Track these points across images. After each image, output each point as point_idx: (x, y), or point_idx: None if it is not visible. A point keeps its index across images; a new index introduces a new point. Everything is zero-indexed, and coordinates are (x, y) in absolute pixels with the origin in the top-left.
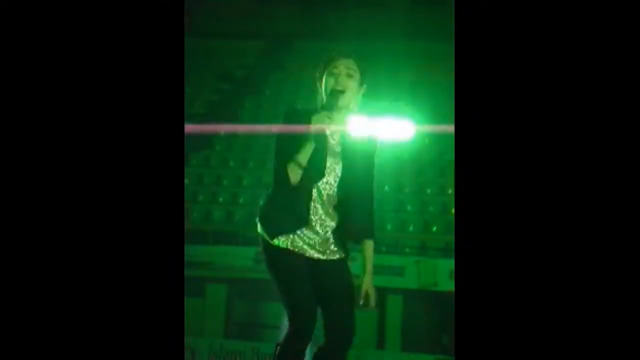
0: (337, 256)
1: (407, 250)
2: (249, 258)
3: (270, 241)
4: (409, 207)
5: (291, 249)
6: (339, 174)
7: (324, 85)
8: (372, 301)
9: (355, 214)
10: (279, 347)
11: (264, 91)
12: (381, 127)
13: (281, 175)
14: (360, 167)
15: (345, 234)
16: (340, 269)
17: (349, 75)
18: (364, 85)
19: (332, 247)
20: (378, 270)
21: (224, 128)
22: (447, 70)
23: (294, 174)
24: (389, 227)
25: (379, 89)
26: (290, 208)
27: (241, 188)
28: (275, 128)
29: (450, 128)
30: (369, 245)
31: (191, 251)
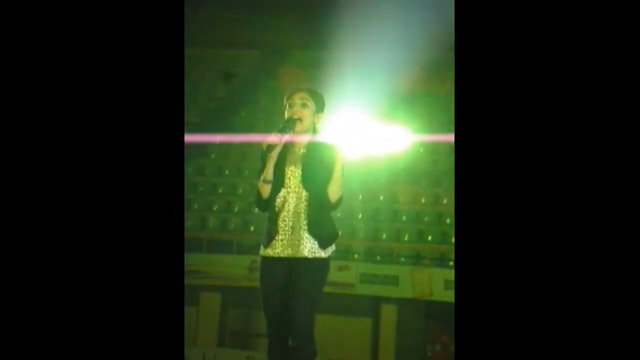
0: (310, 255)
1: (402, 259)
2: (244, 266)
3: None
4: (404, 217)
5: (268, 255)
6: (300, 178)
7: (286, 114)
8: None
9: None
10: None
11: (259, 100)
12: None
13: (257, 193)
14: (321, 170)
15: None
16: (308, 269)
17: (304, 105)
18: (321, 114)
19: (304, 246)
20: (373, 279)
21: (219, 138)
22: (443, 79)
23: (262, 189)
24: (384, 236)
25: (374, 98)
26: (268, 217)
27: (236, 196)
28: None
29: (446, 137)
30: None
31: (185, 259)
